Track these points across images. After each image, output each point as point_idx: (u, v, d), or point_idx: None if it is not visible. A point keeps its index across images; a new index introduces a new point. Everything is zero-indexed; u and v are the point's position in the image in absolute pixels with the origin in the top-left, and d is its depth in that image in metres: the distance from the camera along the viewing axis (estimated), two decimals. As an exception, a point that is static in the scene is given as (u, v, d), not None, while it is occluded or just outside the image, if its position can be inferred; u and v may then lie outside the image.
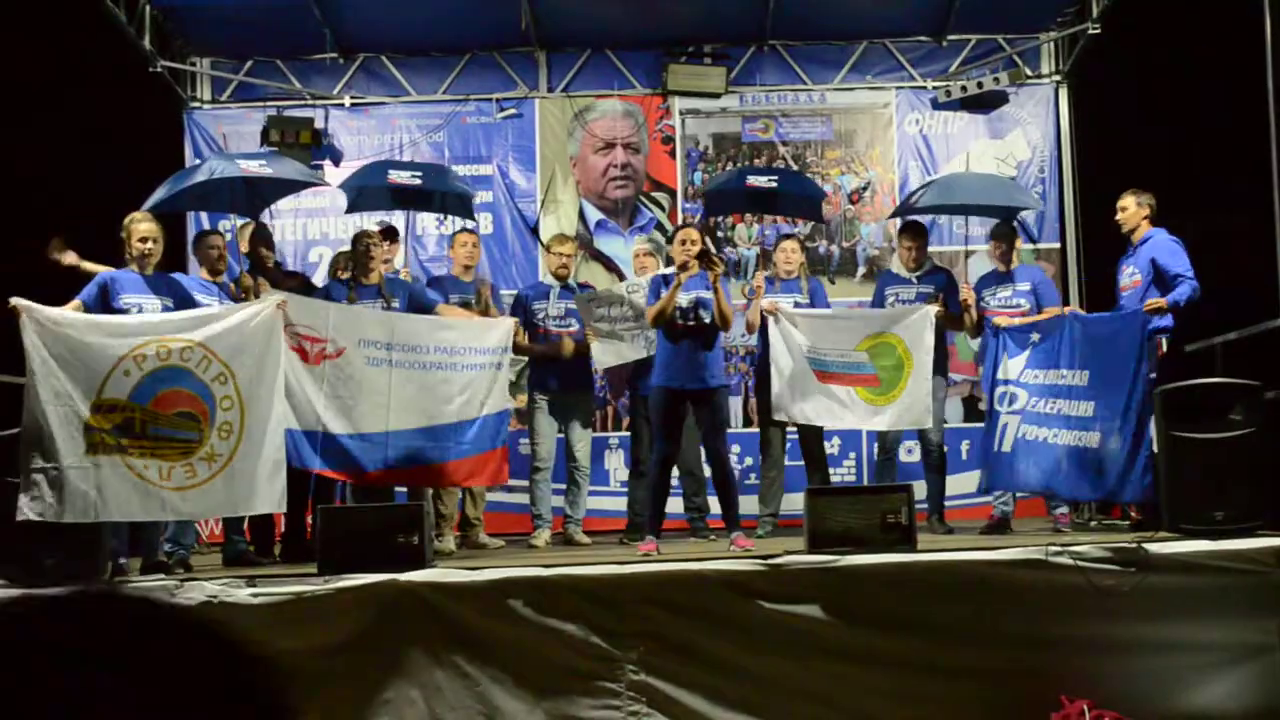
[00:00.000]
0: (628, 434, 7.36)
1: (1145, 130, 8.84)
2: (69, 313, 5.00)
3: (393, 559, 4.63)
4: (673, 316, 5.67)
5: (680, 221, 8.31)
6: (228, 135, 8.69)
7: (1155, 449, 5.24)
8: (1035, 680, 4.45)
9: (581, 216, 8.82)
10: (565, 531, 6.75)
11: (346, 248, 6.55)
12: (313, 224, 8.74)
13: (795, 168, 8.62)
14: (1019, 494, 6.59)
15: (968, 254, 8.18)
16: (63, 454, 4.67)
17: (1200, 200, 7.80)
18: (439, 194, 7.17)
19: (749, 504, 6.51)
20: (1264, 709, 4.48)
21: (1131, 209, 6.21)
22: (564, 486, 6.81)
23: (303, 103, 8.71)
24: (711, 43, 8.76)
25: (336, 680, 4.39)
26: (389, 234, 7.01)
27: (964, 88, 8.51)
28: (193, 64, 8.76)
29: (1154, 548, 4.63)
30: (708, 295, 5.63)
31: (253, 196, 6.23)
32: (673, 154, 8.88)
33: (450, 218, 7.91)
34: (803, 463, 6.66)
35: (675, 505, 6.47)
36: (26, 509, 4.61)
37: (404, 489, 6.09)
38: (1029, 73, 8.73)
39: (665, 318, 5.68)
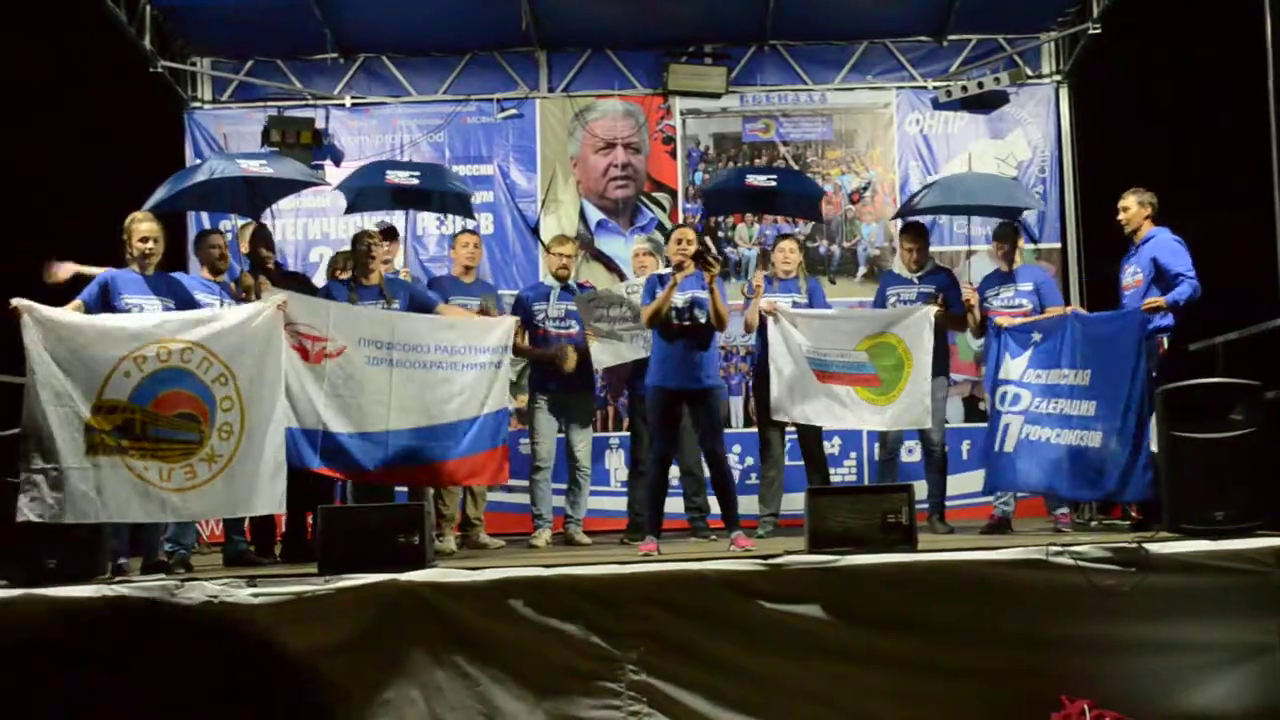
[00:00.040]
0: (628, 434, 7.36)
1: (1146, 130, 8.83)
2: (70, 313, 5.00)
3: (393, 559, 4.63)
4: (668, 316, 5.66)
5: (680, 221, 8.30)
6: (228, 135, 8.69)
7: (1155, 449, 5.24)
8: (1035, 680, 4.44)
9: (582, 216, 8.81)
10: (566, 531, 6.75)
11: (347, 248, 6.55)
12: (313, 224, 8.74)
13: (796, 168, 8.62)
14: (1020, 494, 6.59)
15: (969, 254, 8.18)
16: (63, 455, 4.67)
17: (1201, 200, 7.78)
18: (438, 194, 7.18)
19: (749, 504, 6.51)
20: (1264, 709, 4.48)
21: (1133, 208, 6.21)
22: (564, 486, 6.81)
23: (303, 103, 8.71)
24: (712, 43, 8.75)
25: (337, 680, 4.39)
26: (389, 234, 7.02)
27: (964, 88, 8.50)
28: (193, 64, 8.76)
29: (1154, 548, 4.62)
30: (703, 295, 5.62)
31: (253, 196, 6.23)
32: (673, 154, 8.87)
33: (451, 217, 7.92)
34: (803, 463, 6.67)
35: (676, 505, 6.48)
36: (26, 510, 4.61)
37: (404, 489, 6.09)
38: (1029, 73, 8.72)
39: (660, 317, 5.67)
